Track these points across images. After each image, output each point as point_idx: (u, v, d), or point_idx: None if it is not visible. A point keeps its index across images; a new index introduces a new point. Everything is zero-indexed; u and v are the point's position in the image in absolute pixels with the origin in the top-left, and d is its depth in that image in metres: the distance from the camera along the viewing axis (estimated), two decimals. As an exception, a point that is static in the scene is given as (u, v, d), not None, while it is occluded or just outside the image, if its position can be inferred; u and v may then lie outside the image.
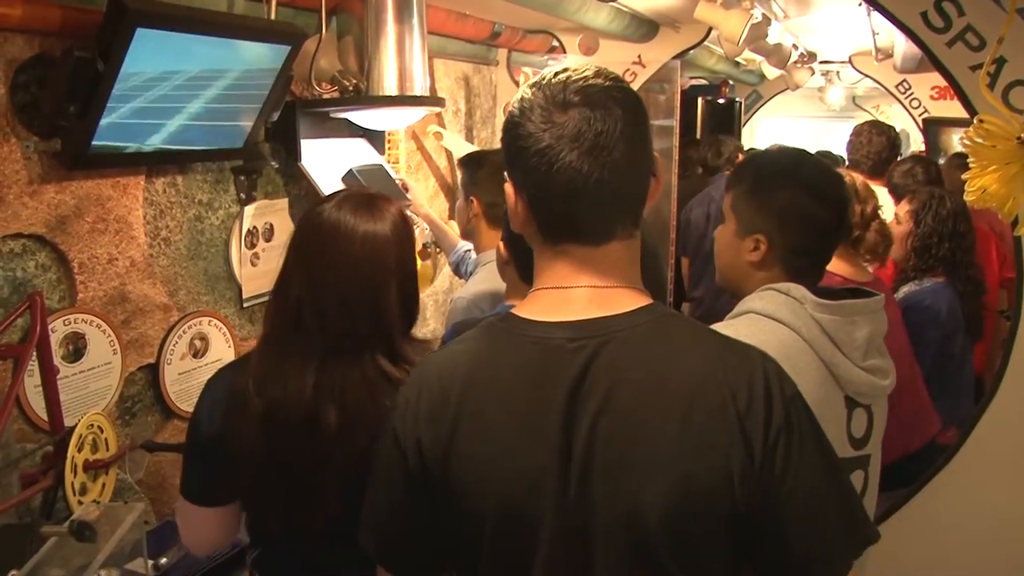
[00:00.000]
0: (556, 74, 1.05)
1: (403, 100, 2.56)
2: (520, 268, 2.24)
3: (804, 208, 1.49)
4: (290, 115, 2.54)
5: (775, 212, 1.51)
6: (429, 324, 3.59)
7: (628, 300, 1.05)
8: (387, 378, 1.45)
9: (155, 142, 2.05)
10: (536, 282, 1.10)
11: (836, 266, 2.17)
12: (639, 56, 3.89)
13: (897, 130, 4.16)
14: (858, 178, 2.52)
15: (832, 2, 3.25)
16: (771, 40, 4.04)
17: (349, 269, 1.44)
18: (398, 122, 2.70)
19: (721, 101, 6.84)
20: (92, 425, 1.88)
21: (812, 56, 5.86)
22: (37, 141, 1.90)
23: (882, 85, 5.47)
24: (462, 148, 3.62)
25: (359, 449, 1.37)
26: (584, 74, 1.04)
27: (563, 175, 1.00)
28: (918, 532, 2.30)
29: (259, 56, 2.17)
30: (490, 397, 1.03)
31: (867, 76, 5.55)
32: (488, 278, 2.50)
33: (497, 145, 3.96)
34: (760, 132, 10.14)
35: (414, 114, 2.69)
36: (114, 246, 2.13)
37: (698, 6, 2.69)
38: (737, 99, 7.32)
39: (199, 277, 2.43)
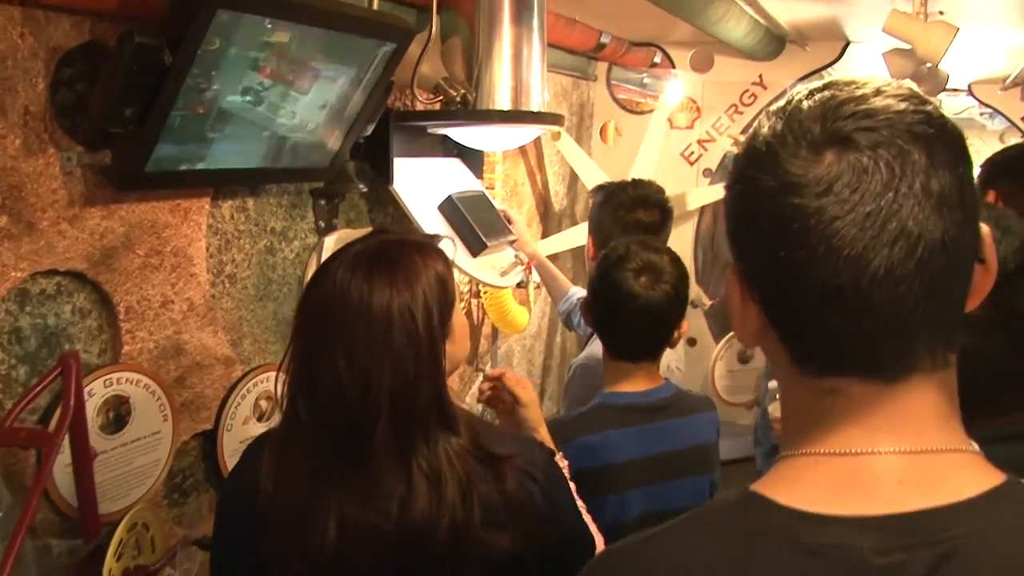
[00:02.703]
0: (812, 92, 0.64)
1: (519, 116, 2.12)
2: (606, 339, 1.77)
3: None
4: (383, 130, 2.10)
5: None
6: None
7: (966, 477, 0.62)
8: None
9: (226, 157, 1.63)
10: (793, 439, 0.67)
11: None
12: (760, 76, 3.43)
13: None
14: None
15: (992, 20, 2.78)
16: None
17: (344, 353, 1.10)
18: (510, 142, 2.26)
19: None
20: (135, 525, 1.44)
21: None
22: (81, 152, 1.48)
23: (1005, 116, 4.97)
24: (579, 161, 3.19)
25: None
26: (862, 91, 0.63)
27: (816, 261, 0.60)
28: None
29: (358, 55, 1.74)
30: None
31: (988, 106, 5.04)
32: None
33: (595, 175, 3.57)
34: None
35: (528, 133, 2.25)
36: (170, 285, 1.70)
37: (889, 17, 2.23)
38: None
39: (267, 322, 1.99)
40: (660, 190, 2.15)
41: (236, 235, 1.88)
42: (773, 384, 2.09)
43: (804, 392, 0.66)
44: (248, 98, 1.56)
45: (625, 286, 1.65)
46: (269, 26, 1.47)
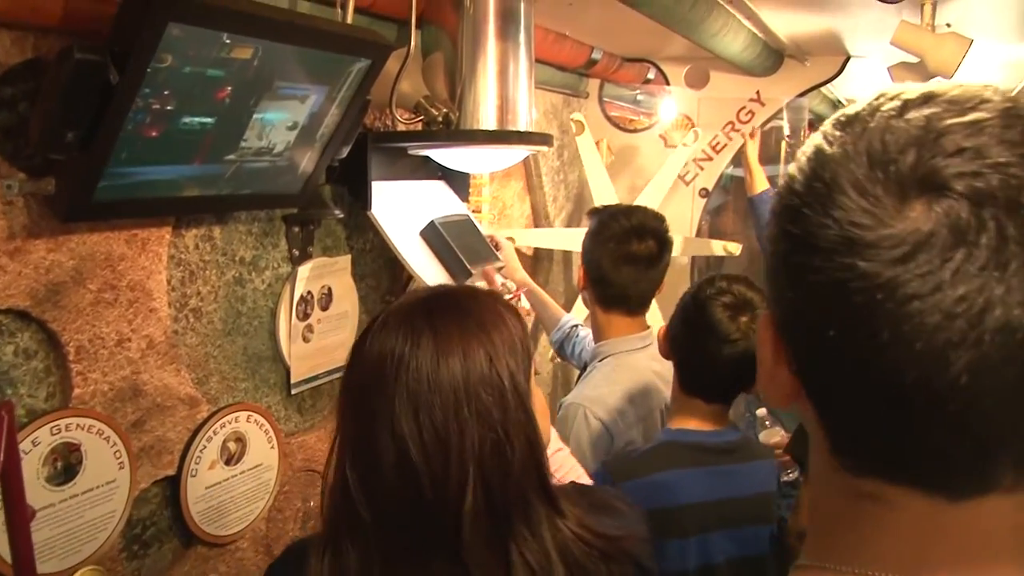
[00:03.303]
0: (908, 104, 0.47)
1: (505, 136, 2.00)
2: (683, 373, 1.66)
3: None
4: (361, 151, 1.98)
5: None
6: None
7: None
8: None
9: (186, 183, 1.50)
10: (817, 543, 0.53)
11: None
12: (757, 92, 3.31)
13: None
14: None
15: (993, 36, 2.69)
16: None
17: (410, 413, 0.90)
18: (495, 163, 2.13)
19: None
20: (79, 589, 1.31)
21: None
22: (23, 180, 1.35)
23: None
24: (594, 167, 3.07)
25: None
26: (977, 114, 0.45)
27: (875, 350, 0.44)
28: None
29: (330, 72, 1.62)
30: None
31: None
32: (612, 378, 1.93)
33: (588, 197, 3.44)
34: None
35: (515, 154, 2.13)
36: (126, 322, 1.57)
37: (898, 29, 2.12)
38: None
39: (236, 359, 1.86)
40: (658, 217, 2.01)
41: (201, 266, 1.75)
42: (761, 411, 1.97)
43: (838, 489, 0.51)
44: (207, 119, 1.44)
45: (721, 327, 1.54)
46: (228, 41, 1.35)
